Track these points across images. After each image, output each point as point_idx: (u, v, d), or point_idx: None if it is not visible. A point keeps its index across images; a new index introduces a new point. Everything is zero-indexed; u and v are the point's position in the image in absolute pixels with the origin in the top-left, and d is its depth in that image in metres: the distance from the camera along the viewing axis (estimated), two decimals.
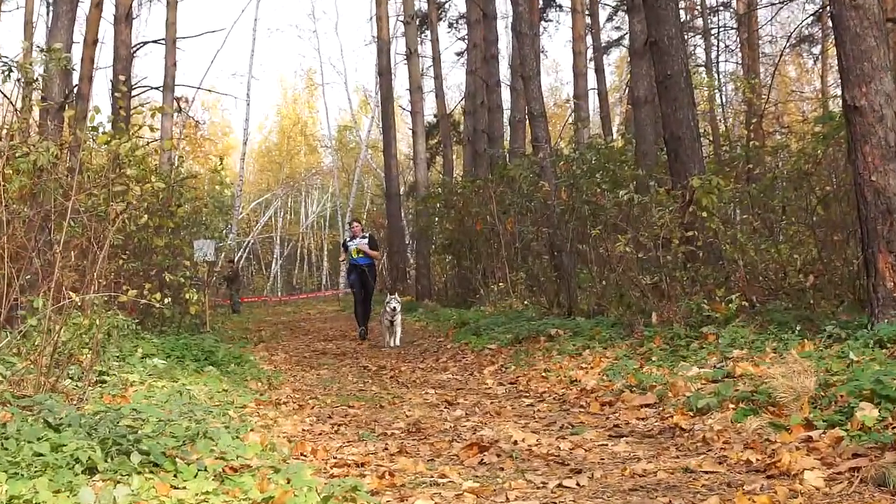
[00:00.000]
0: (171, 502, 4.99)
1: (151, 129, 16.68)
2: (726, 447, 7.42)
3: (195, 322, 18.32)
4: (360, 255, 21.89)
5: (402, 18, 39.96)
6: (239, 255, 60.49)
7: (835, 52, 12.35)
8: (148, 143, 15.98)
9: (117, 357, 10.85)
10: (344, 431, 9.08)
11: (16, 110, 12.37)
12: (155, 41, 33.56)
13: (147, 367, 10.98)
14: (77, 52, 23.58)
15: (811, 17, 37.07)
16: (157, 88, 33.69)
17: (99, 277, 9.67)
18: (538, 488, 6.36)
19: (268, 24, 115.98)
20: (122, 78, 24.86)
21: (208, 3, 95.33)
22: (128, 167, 11.72)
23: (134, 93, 31.05)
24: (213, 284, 25.44)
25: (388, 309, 19.78)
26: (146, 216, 13.35)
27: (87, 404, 7.74)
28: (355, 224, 22.99)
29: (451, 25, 44.94)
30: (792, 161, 17.40)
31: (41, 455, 5.40)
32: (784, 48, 38.58)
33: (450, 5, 43.92)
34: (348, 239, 22.70)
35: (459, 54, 45.11)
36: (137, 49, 30.26)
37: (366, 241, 22.00)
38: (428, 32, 41.18)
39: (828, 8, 12.16)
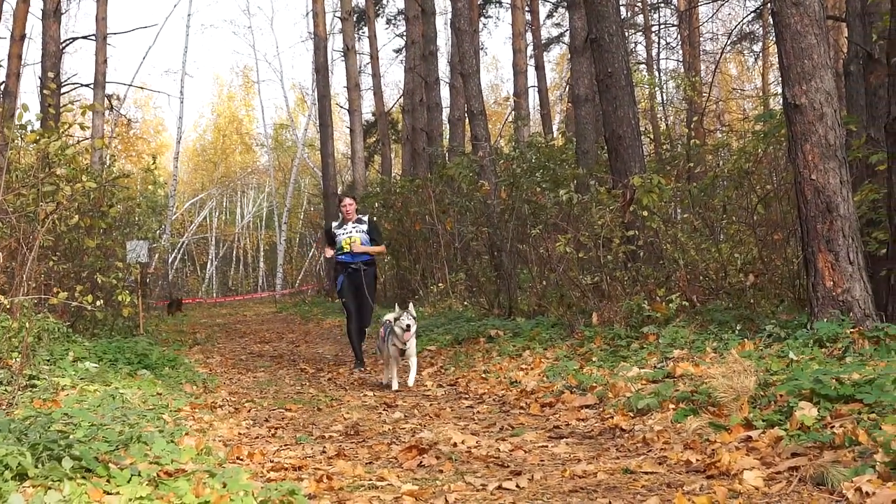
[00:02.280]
0: None
1: (82, 127, 16.66)
2: (666, 448, 7.48)
3: (128, 325, 18.22)
4: (356, 246, 15.54)
5: (339, 14, 39.94)
6: (173, 256, 60.16)
7: (776, 50, 12.46)
8: (78, 142, 15.93)
9: (48, 361, 10.78)
10: (281, 435, 9.07)
11: None
12: (85, 37, 33.35)
13: (79, 370, 10.92)
14: (3, 47, 23.45)
15: (752, 14, 37.45)
16: (87, 86, 33.42)
17: (28, 279, 9.61)
18: (478, 490, 6.38)
19: (201, 19, 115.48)
20: (51, 75, 24.78)
21: None
22: (58, 166, 11.64)
23: (63, 90, 30.76)
24: (148, 286, 25.26)
25: (397, 329, 12.93)
26: (77, 216, 13.26)
27: (17, 409, 7.70)
28: (348, 202, 15.95)
29: (389, 22, 45.04)
30: (733, 160, 17.52)
31: None
32: (725, 46, 38.91)
33: (388, 1, 43.94)
34: (336, 225, 15.90)
35: (398, 51, 45.19)
36: (67, 45, 29.99)
37: (364, 227, 15.68)
38: (366, 29, 41.19)
39: (769, 5, 12.25)
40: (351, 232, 15.69)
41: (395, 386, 12.77)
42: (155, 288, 35.18)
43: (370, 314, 16.19)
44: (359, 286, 15.71)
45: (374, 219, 17.62)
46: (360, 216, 15.93)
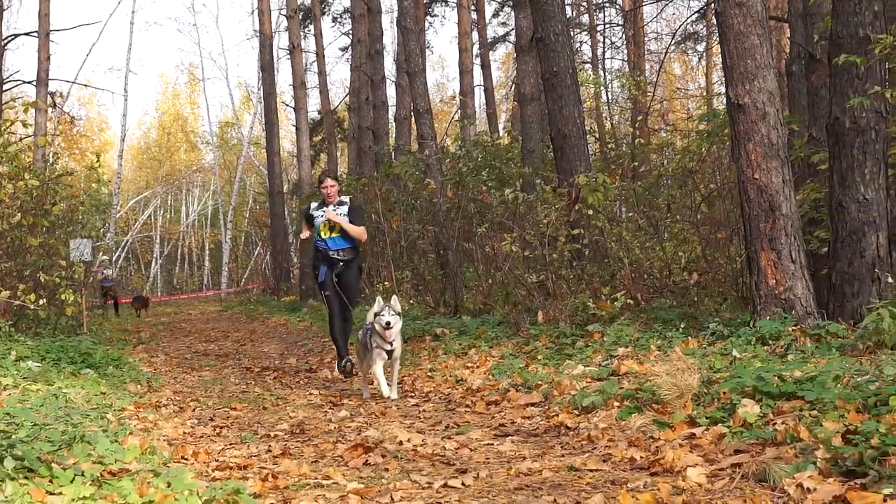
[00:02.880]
0: None
1: (24, 124, 16.52)
2: (611, 445, 7.50)
3: (72, 324, 18.10)
4: (336, 235, 13.81)
5: (284, 12, 39.87)
6: (117, 254, 59.87)
7: (719, 50, 12.53)
8: (21, 140, 15.81)
9: None
10: (226, 434, 9.04)
11: None
12: (27, 33, 33.09)
13: (21, 370, 10.84)
14: None
15: (696, 15, 37.64)
16: (29, 83, 33.19)
17: None
18: (423, 488, 6.38)
19: (146, 16, 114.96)
20: None
21: None
22: None
23: (5, 87, 30.60)
24: (91, 285, 25.10)
25: (376, 327, 11.43)
26: (19, 215, 13.25)
27: None
28: (329, 182, 14.09)
29: (335, 20, 44.97)
30: (677, 159, 17.62)
31: None
32: (669, 45, 39.07)
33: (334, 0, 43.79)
34: (314, 207, 14.31)
35: (344, 49, 45.15)
36: (8, 42, 29.85)
37: (345, 209, 13.85)
38: (311, 27, 41.12)
39: (712, 5, 12.34)
40: (331, 215, 13.77)
41: (387, 393, 11.24)
42: (98, 287, 34.94)
43: (354, 302, 14.36)
44: (341, 276, 13.84)
45: (355, 200, 15.41)
46: (341, 198, 14.14)
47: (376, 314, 11.28)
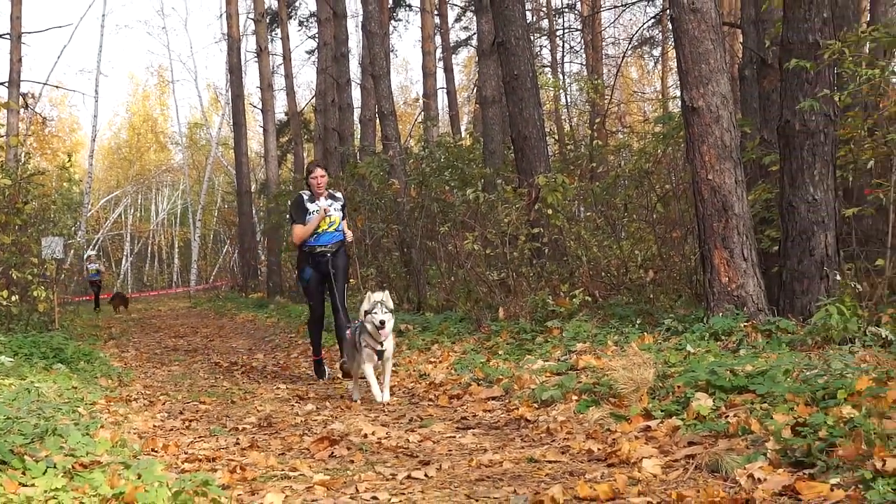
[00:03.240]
0: (20, 500, 4.93)
1: None
2: (569, 437, 7.54)
3: (44, 320, 18.04)
4: (332, 230, 12.60)
5: (252, 16, 39.82)
6: (88, 253, 59.60)
7: (674, 55, 12.58)
8: None
9: None
10: (195, 427, 9.03)
11: None
12: (0, 35, 32.92)
13: None
14: None
15: (652, 20, 37.72)
16: (1, 84, 33.00)
17: None
18: (387, 480, 6.39)
19: (116, 20, 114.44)
20: None
21: None
22: None
23: None
24: (63, 281, 24.99)
25: (368, 326, 10.20)
26: None
27: None
28: (319, 173, 12.67)
29: (301, 24, 44.85)
30: (633, 160, 17.68)
31: None
32: (626, 50, 39.13)
33: (300, 3, 43.92)
34: (306, 199, 12.66)
35: (310, 52, 45.06)
36: None
37: (339, 205, 12.78)
38: (279, 30, 41.02)
39: (668, 11, 12.37)
40: (328, 210, 12.54)
41: (380, 397, 10.17)
42: (70, 283, 34.81)
43: (344, 300, 12.53)
44: (326, 274, 12.54)
45: (346, 198, 13.80)
46: (331, 192, 12.88)
47: (367, 312, 10.04)
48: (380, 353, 10.14)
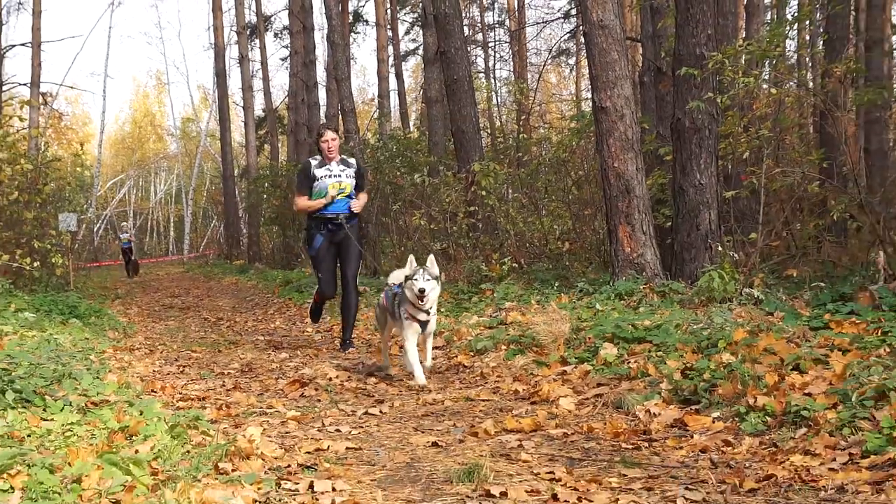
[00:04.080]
0: (41, 432, 4.90)
1: (20, 119, 16.29)
2: (499, 380, 7.58)
3: (60, 282, 17.89)
4: (342, 197, 10.22)
5: (235, 28, 39.45)
6: (97, 226, 59.03)
7: (586, 63, 12.60)
8: (17, 132, 15.54)
9: None
10: (188, 371, 8.98)
11: None
12: (22, 44, 32.53)
13: (19, 319, 10.70)
14: None
15: (568, 35, 37.73)
16: (25, 85, 32.65)
17: None
18: (349, 415, 6.40)
19: (121, 31, 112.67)
20: None
21: (70, 11, 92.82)
22: (0, 151, 11.44)
23: (4, 88, 30.06)
24: (77, 250, 24.78)
25: (408, 294, 7.89)
26: (16, 192, 13.10)
27: None
28: (330, 136, 10.22)
29: (276, 35, 44.33)
30: (553, 150, 17.75)
31: None
32: (546, 59, 39.30)
33: (275, 18, 43.28)
34: (315, 165, 10.28)
35: (284, 59, 44.50)
36: (7, 51, 29.30)
37: (352, 171, 10.28)
38: (257, 41, 40.71)
39: (581, 27, 12.38)
40: (340, 176, 10.18)
41: (423, 381, 7.72)
42: (83, 252, 34.53)
43: (356, 275, 10.56)
44: (340, 243, 10.30)
45: (360, 163, 11.09)
46: (344, 156, 10.38)
47: (408, 277, 7.68)
48: (423, 325, 7.78)
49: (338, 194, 10.14)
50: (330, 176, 10.13)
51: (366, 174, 11.31)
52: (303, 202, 10.31)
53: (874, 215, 10.93)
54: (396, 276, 8.25)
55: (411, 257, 7.87)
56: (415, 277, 7.62)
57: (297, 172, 10.76)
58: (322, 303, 11.15)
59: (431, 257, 7.89)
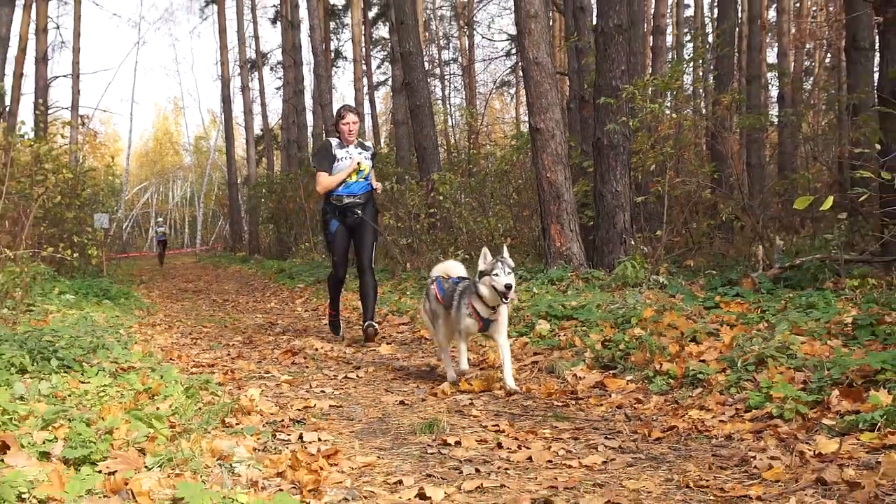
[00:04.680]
0: (80, 392, 4.86)
1: (63, 136, 16.21)
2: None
3: (95, 270, 17.75)
4: (361, 179, 8.73)
5: (238, 63, 39.18)
6: (126, 223, 58.56)
7: (524, 93, 12.61)
8: (60, 147, 15.43)
9: (40, 294, 10.46)
10: (200, 343, 8.92)
11: None
12: (64, 75, 32.09)
13: (61, 300, 10.59)
14: (8, 82, 22.55)
15: (509, 69, 37.79)
16: (66, 109, 32.22)
17: (26, 239, 9.37)
18: (331, 379, 6.39)
19: (145, 65, 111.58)
20: (41, 101, 24.05)
21: (103, 48, 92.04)
22: (46, 163, 11.36)
23: (49, 111, 29.66)
24: (108, 244, 24.58)
25: (483, 290, 5.69)
26: (59, 197, 12.99)
27: (20, 326, 7.44)
28: (351, 119, 8.61)
29: (272, 69, 43.92)
30: (497, 163, 17.76)
31: None
32: (492, 89, 39.44)
33: (271, 55, 42.86)
34: (336, 145, 8.70)
35: (278, 88, 44.03)
36: (51, 81, 28.85)
37: (369, 154, 8.86)
38: (256, 73, 40.49)
39: (519, 64, 12.39)
40: (357, 158, 8.59)
41: (453, 376, 6.01)
42: (113, 245, 34.23)
43: (371, 260, 9.07)
44: (356, 227, 8.73)
45: (373, 147, 9.32)
46: (361, 140, 8.78)
47: (483, 272, 5.66)
48: (486, 324, 5.76)
49: (357, 176, 8.62)
50: (348, 157, 8.54)
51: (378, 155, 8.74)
52: (325, 179, 8.58)
53: (754, 217, 11.06)
54: (442, 269, 6.57)
55: (485, 250, 5.76)
56: (495, 272, 5.58)
57: (318, 150, 8.97)
58: (337, 310, 9.28)
59: (505, 249, 5.88)
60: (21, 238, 9.30)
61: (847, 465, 3.45)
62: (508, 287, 5.56)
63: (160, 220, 41.18)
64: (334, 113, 8.69)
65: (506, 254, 5.78)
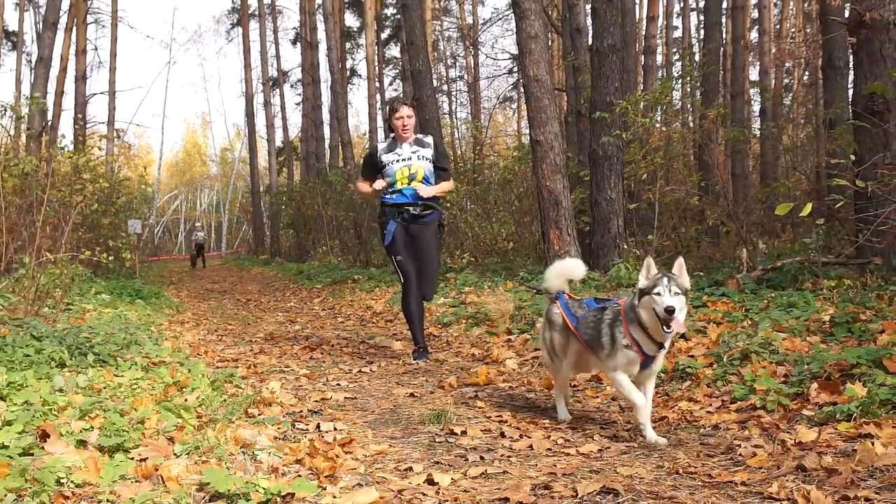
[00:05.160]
0: (114, 385, 4.86)
1: (99, 149, 16.23)
2: (461, 346, 7.57)
3: (129, 272, 17.80)
4: (415, 184, 6.76)
5: (261, 81, 39.28)
6: (157, 229, 58.65)
7: (525, 107, 12.59)
8: (97, 158, 15.48)
9: (78, 294, 10.49)
10: (225, 339, 8.93)
11: (9, 136, 11.98)
12: (101, 93, 32.16)
13: (98, 300, 10.62)
14: (50, 99, 22.67)
15: (511, 86, 37.80)
16: (103, 123, 32.42)
17: (66, 243, 9.41)
18: (346, 373, 6.38)
19: (175, 82, 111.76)
20: (80, 116, 24.19)
21: (137, 67, 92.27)
22: (84, 173, 11.41)
23: (87, 126, 29.76)
24: (141, 248, 24.63)
25: (643, 314, 3.92)
26: (96, 204, 13.03)
27: (59, 323, 7.44)
28: (406, 112, 6.81)
29: (292, 86, 43.98)
30: (500, 173, 17.74)
31: (28, 356, 5.22)
32: (495, 104, 39.45)
33: (291, 73, 42.96)
34: (383, 149, 6.94)
35: (298, 104, 44.15)
36: (90, 98, 28.94)
37: (429, 153, 6.89)
38: (277, 90, 40.55)
39: (521, 80, 12.38)
40: (410, 159, 6.81)
41: (650, 434, 4.02)
42: (146, 249, 34.22)
43: (434, 280, 7.14)
44: (417, 237, 6.91)
45: (438, 143, 7.37)
46: (419, 136, 6.99)
47: (644, 291, 3.94)
48: (648, 360, 4.08)
49: (408, 181, 6.79)
50: (399, 160, 6.80)
51: (445, 152, 7.48)
52: (361, 186, 7.20)
53: (739, 222, 11.02)
54: (561, 273, 4.84)
55: (648, 260, 4.03)
56: (656, 290, 3.88)
57: (365, 159, 7.30)
58: (419, 317, 7.04)
59: (680, 262, 4.02)
60: (61, 242, 9.32)
61: (825, 452, 3.44)
62: (670, 311, 3.82)
63: (198, 224, 40.84)
64: (388, 108, 7.13)
65: (676, 268, 4.00)
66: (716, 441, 3.90)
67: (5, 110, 11.81)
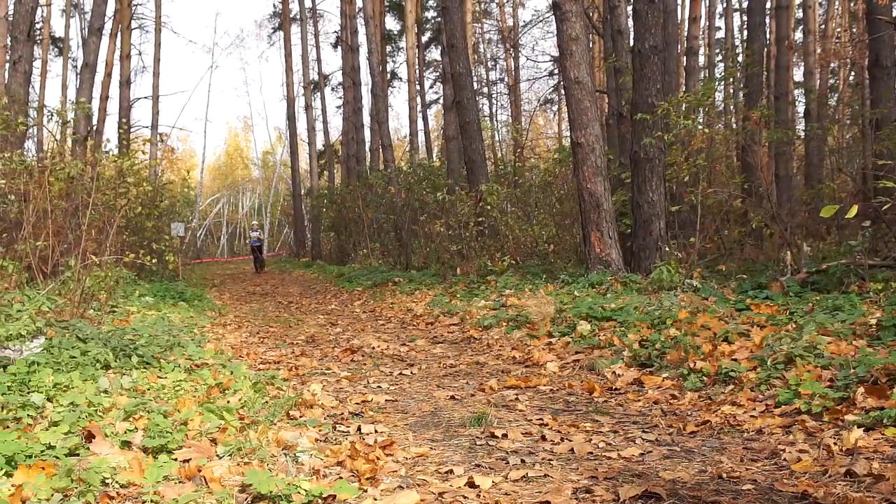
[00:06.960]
0: (158, 386, 4.91)
1: (143, 152, 16.43)
2: (501, 349, 7.55)
3: (172, 274, 17.98)
4: None
5: (302, 84, 39.44)
6: (200, 232, 59.21)
7: (566, 110, 12.55)
8: (141, 162, 15.66)
9: (122, 296, 10.61)
10: (266, 342, 8.99)
11: (56, 140, 12.17)
12: (145, 97, 32.57)
13: (141, 302, 10.74)
14: (95, 104, 22.98)
15: (552, 88, 37.68)
16: (146, 127, 32.84)
17: (111, 246, 9.52)
18: (387, 375, 6.40)
19: (218, 86, 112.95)
20: (124, 120, 24.54)
21: (180, 72, 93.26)
22: (128, 176, 11.54)
23: (132, 129, 30.16)
24: (184, 250, 24.89)
25: None
26: (140, 207, 13.18)
27: (104, 325, 7.54)
28: None
29: (333, 89, 44.30)
30: (541, 175, 17.70)
31: (74, 357, 5.29)
32: (536, 107, 39.30)
33: (332, 77, 43.26)
34: None
35: (338, 107, 44.42)
36: (134, 102, 29.30)
37: None
38: (318, 93, 40.81)
39: (561, 83, 12.34)
40: None
41: None
42: (188, 252, 34.32)
43: None
44: None
45: None
46: None
47: None
48: None
49: None
50: None
51: None
52: None
53: (783, 224, 10.89)
54: None
55: None
56: None
57: None
58: None
59: None
60: (106, 245, 9.45)
61: (872, 458, 3.38)
62: None
63: (254, 223, 38.06)
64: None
65: None
66: (760, 445, 3.85)
67: (52, 115, 12.00)
